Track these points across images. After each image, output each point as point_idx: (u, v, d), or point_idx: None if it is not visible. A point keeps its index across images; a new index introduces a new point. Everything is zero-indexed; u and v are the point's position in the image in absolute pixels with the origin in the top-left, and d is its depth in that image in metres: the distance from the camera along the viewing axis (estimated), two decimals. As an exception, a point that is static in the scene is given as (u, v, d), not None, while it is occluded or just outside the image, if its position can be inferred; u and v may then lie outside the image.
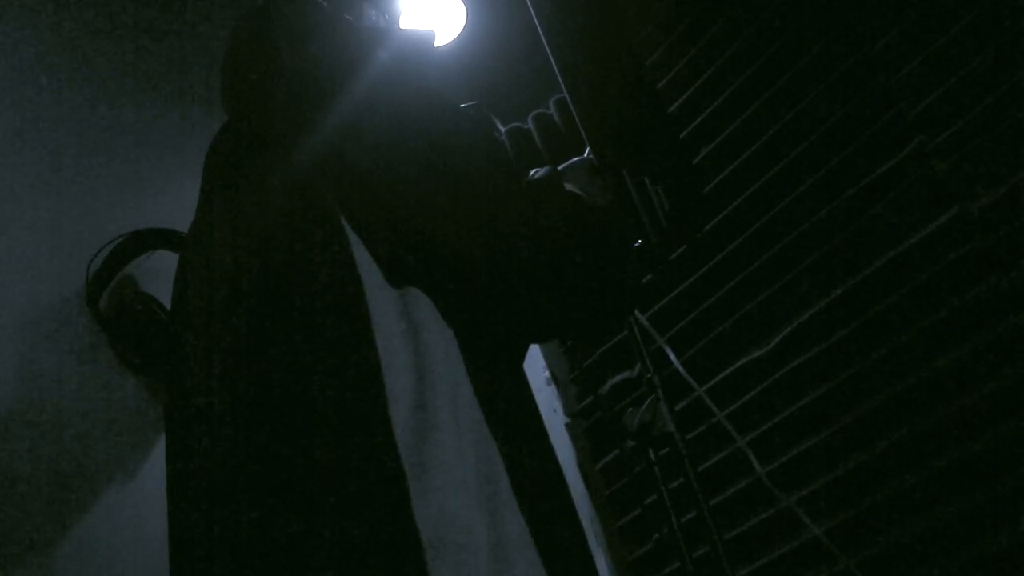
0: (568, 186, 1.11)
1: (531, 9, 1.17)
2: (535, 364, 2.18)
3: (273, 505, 0.81)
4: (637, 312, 1.72)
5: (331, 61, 1.01)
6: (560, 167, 1.18)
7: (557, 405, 2.15)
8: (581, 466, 2.07)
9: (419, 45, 1.18)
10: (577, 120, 1.16)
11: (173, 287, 1.11)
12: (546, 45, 1.16)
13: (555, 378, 2.19)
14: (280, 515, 0.80)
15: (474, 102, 1.29)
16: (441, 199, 0.90)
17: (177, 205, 1.91)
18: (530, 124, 1.29)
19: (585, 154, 1.19)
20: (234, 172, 1.04)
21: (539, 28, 1.16)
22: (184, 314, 1.03)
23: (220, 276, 0.97)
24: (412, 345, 0.86)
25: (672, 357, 1.79)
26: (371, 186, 0.91)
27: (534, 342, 1.07)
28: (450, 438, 0.83)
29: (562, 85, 1.16)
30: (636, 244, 1.18)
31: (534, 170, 1.22)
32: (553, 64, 1.15)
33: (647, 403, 1.48)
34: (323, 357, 0.84)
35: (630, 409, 1.52)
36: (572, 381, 2.17)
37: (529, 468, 0.88)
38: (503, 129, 1.29)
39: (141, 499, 1.67)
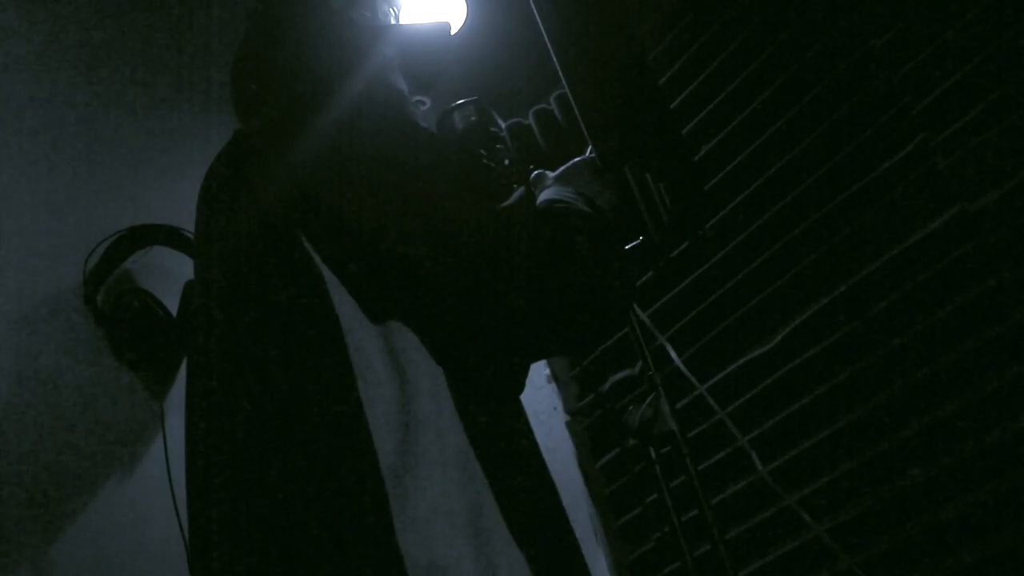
0: (563, 189, 1.10)
1: (532, 4, 1.16)
2: (536, 362, 2.17)
3: (263, 539, 0.82)
4: (638, 310, 1.72)
5: (324, 75, 1.00)
6: (562, 168, 1.17)
7: (557, 403, 2.15)
8: (581, 464, 2.07)
9: (427, 39, 1.17)
10: (578, 116, 1.15)
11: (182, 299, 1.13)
12: (547, 40, 1.15)
13: (555, 376, 2.18)
14: (270, 546, 0.81)
15: (474, 98, 1.28)
16: (413, 233, 0.89)
17: (175, 201, 1.91)
18: (531, 120, 1.28)
19: (587, 153, 1.19)
20: (223, 199, 1.03)
21: (540, 23, 1.15)
22: (190, 333, 1.06)
23: (206, 312, 0.98)
24: (396, 378, 0.87)
25: (673, 355, 1.79)
26: (344, 223, 0.90)
27: (523, 362, 1.06)
28: (435, 468, 0.83)
29: (563, 80, 1.15)
30: (636, 242, 1.17)
31: (533, 171, 1.21)
32: (554, 59, 1.14)
33: (648, 401, 1.47)
34: (304, 396, 0.85)
35: (631, 407, 1.51)
36: (573, 379, 2.16)
37: (520, 497, 0.87)
38: (503, 125, 1.29)
39: (138, 496, 1.66)
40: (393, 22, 1.24)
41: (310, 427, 0.84)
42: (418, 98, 1.22)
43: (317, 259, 0.90)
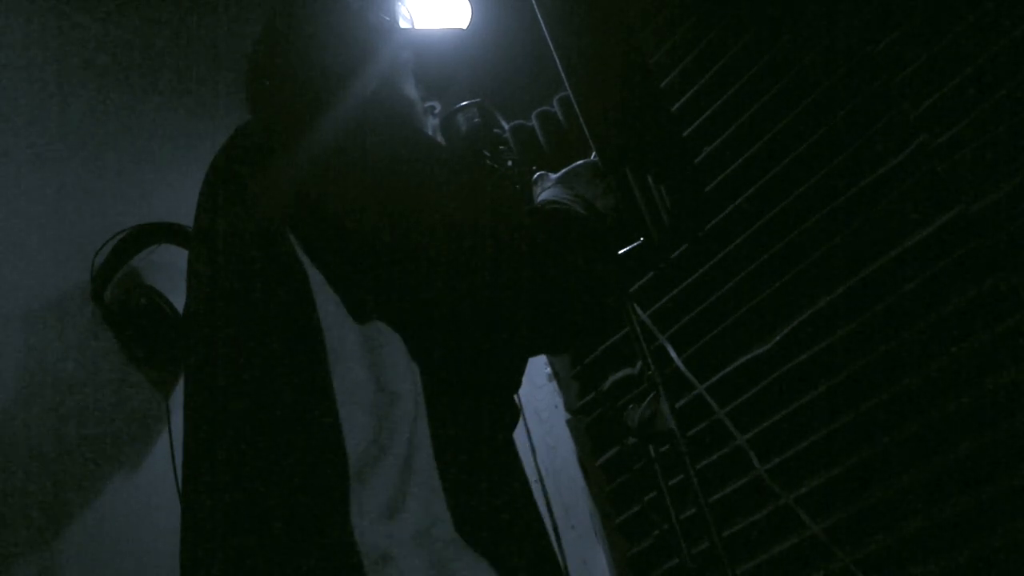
0: (563, 191, 1.11)
1: (535, 7, 1.17)
2: (537, 361, 2.19)
3: (230, 528, 0.84)
4: (639, 310, 1.73)
5: (337, 73, 1.00)
6: (564, 170, 1.18)
7: (558, 401, 2.16)
8: (582, 462, 2.08)
9: (442, 44, 1.18)
10: (580, 118, 1.16)
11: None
12: (550, 43, 1.16)
13: (556, 374, 2.19)
14: (234, 534, 0.83)
15: (478, 100, 1.29)
16: (410, 235, 0.90)
17: (182, 200, 1.92)
18: (534, 122, 1.29)
19: (591, 156, 1.20)
20: (224, 192, 1.04)
21: (543, 26, 1.16)
22: (187, 326, 1.07)
23: (197, 305, 1.00)
24: (372, 380, 0.87)
25: (673, 354, 1.80)
26: (340, 223, 0.91)
27: (519, 359, 1.07)
28: (400, 470, 0.84)
29: (565, 83, 1.16)
30: (637, 243, 1.18)
31: (535, 172, 1.22)
32: (556, 62, 1.16)
33: (648, 400, 1.48)
34: (280, 390, 0.86)
35: (631, 406, 1.52)
36: (573, 378, 2.17)
37: (484, 508, 0.88)
38: (507, 127, 1.30)
39: (145, 492, 1.68)
40: (408, 26, 1.25)
41: (282, 421, 0.85)
42: (430, 103, 1.22)
43: (304, 258, 0.91)
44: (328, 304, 0.89)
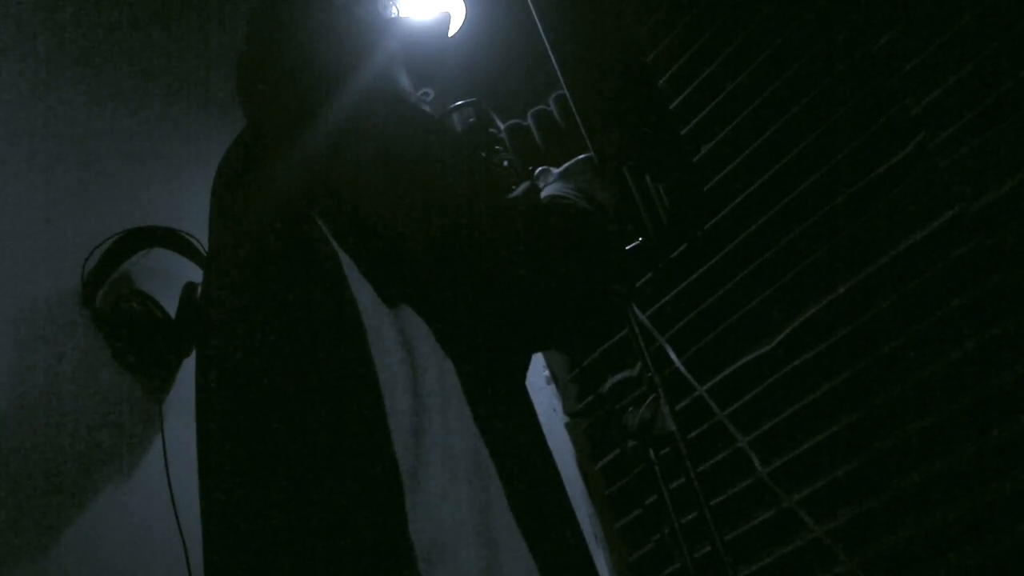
0: (565, 186, 1.10)
1: (530, 5, 1.16)
2: (535, 363, 2.17)
3: (274, 512, 0.83)
4: (638, 310, 1.72)
5: (330, 71, 1.00)
6: (561, 166, 1.17)
7: (557, 404, 2.15)
8: (581, 466, 2.06)
9: (429, 31, 1.18)
10: (577, 117, 1.15)
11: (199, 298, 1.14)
12: (545, 42, 1.15)
13: (555, 377, 2.18)
14: (280, 523, 0.82)
15: (473, 99, 1.28)
16: (424, 220, 0.90)
17: (174, 203, 1.91)
18: (530, 121, 1.28)
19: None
20: (237, 190, 1.05)
21: (539, 24, 1.15)
22: (201, 325, 1.07)
23: (222, 296, 1.00)
24: (408, 360, 0.87)
25: (673, 356, 1.78)
26: (356, 209, 0.91)
27: (526, 352, 1.07)
28: (444, 452, 0.84)
29: (562, 82, 1.15)
30: (636, 243, 1.17)
31: (533, 171, 1.21)
32: (552, 61, 1.15)
33: (647, 402, 1.47)
34: (323, 377, 0.86)
35: (630, 408, 1.51)
36: (572, 380, 2.16)
37: (524, 489, 0.88)
38: (502, 126, 1.29)
39: (138, 497, 1.66)
40: (394, 16, 1.24)
41: (330, 409, 0.85)
42: (423, 90, 1.22)
43: (334, 243, 0.91)
44: (362, 288, 0.90)
